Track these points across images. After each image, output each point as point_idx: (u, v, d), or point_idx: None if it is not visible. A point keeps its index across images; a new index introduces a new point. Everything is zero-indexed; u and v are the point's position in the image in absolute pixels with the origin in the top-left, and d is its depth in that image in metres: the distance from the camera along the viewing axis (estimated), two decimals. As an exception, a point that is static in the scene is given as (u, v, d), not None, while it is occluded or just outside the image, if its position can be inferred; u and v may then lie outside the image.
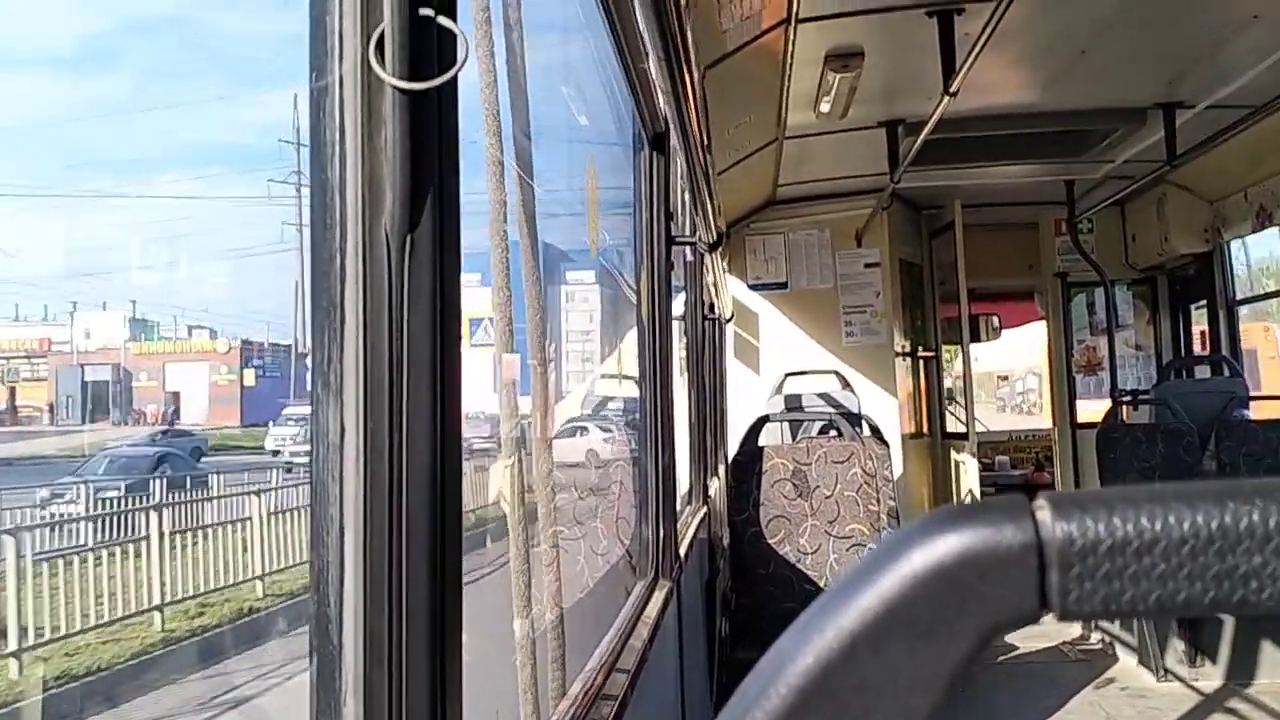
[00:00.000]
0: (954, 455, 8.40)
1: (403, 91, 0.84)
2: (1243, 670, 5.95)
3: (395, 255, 0.85)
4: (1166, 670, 6.13)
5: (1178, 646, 6.08)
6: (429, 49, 0.87)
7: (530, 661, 1.13)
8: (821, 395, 7.53)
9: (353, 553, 0.84)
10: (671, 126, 2.57)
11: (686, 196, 3.71)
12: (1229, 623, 5.98)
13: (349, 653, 0.84)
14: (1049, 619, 0.43)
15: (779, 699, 0.43)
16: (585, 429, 7.26)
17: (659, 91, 2.30)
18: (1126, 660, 6.52)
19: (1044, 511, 0.42)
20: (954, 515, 0.43)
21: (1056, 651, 6.98)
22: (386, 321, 0.85)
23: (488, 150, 1.07)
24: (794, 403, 7.47)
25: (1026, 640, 7.20)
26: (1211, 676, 6.00)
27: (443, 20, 0.87)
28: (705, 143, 3.74)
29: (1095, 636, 6.95)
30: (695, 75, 2.96)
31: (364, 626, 0.84)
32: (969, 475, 7.78)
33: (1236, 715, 5.65)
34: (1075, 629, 7.22)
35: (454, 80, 0.90)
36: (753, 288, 8.34)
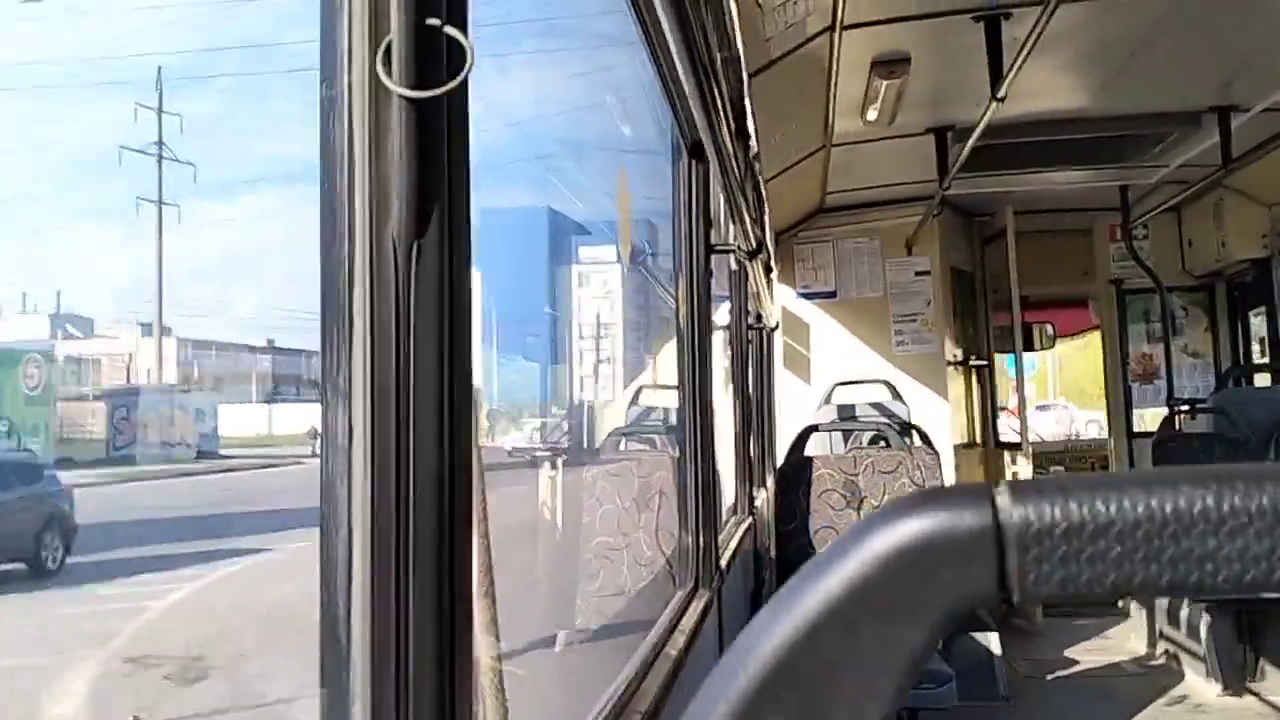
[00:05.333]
0: (1007, 465, 8.30)
1: (409, 100, 0.86)
2: None
3: (402, 261, 0.87)
4: (1227, 683, 6.01)
5: (1239, 659, 5.95)
6: (436, 58, 0.88)
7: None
8: (871, 405, 7.48)
9: (360, 553, 0.86)
10: (705, 135, 2.58)
11: (726, 205, 3.71)
12: None
13: (357, 651, 0.85)
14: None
15: (748, 679, 0.44)
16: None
17: (693, 101, 2.30)
18: (1187, 673, 6.39)
19: (1003, 496, 0.43)
20: (916, 500, 0.45)
21: (1115, 666, 6.87)
22: (393, 326, 0.87)
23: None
24: (843, 412, 7.43)
25: (1086, 654, 7.10)
26: (1275, 690, 5.87)
27: (450, 30, 0.89)
28: (747, 151, 3.74)
29: (1159, 650, 6.83)
30: (732, 85, 2.96)
31: (371, 627, 0.86)
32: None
33: None
34: (1139, 644, 7.10)
35: (463, 88, 0.91)
36: (802, 296, 8.31)
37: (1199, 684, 6.19)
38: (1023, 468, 7.80)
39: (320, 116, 0.88)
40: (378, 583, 0.86)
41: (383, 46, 0.86)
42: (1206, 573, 0.42)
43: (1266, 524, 0.42)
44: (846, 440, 7.17)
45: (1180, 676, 6.40)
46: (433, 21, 0.88)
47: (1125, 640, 7.29)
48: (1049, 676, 6.66)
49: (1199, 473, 0.43)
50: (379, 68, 0.85)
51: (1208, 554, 0.42)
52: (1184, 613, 6.34)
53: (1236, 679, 5.97)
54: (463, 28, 0.90)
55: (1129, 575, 0.42)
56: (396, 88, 0.85)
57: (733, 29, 3.41)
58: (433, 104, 0.87)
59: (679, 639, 2.39)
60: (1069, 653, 7.14)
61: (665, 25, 1.85)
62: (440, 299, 0.89)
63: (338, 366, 0.86)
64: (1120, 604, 7.38)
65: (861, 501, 5.59)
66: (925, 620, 0.43)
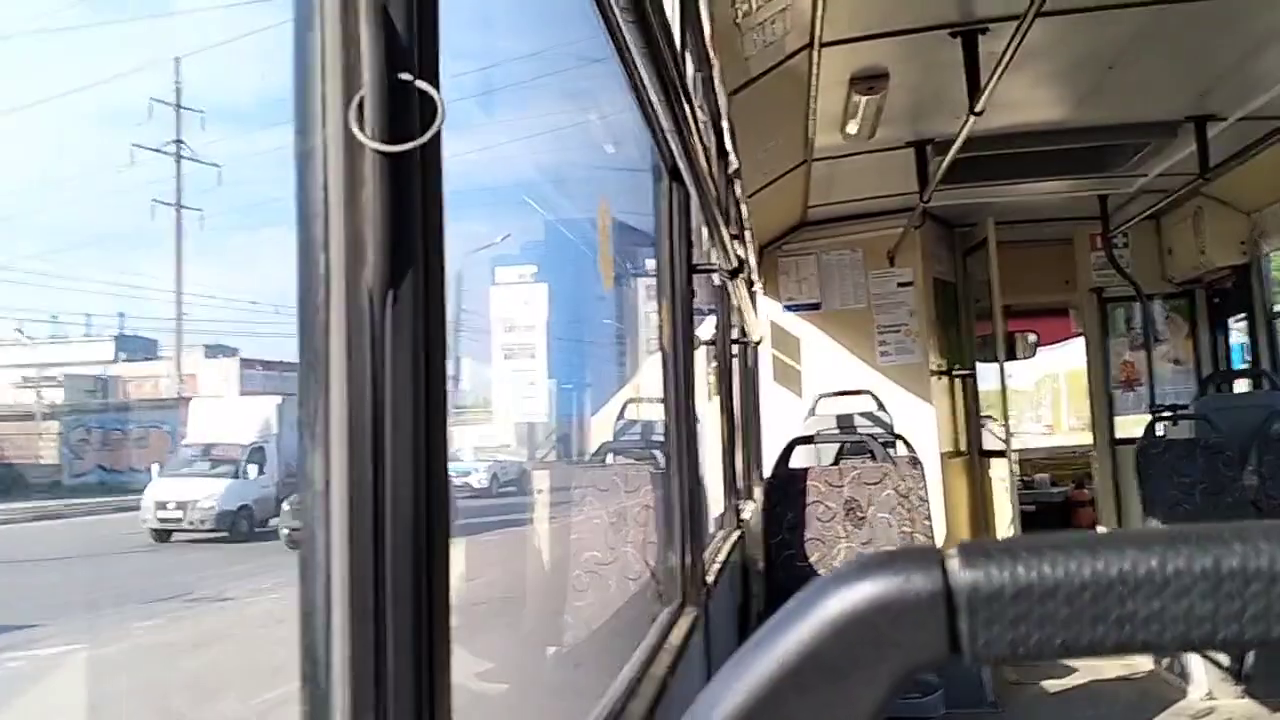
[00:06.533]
0: (992, 473, 8.34)
1: (382, 154, 0.88)
2: None
3: (377, 309, 0.89)
4: (1211, 690, 6.04)
5: (1222, 665, 5.98)
6: (409, 111, 0.90)
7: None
8: (856, 415, 7.51)
9: (340, 595, 0.87)
10: (681, 161, 2.61)
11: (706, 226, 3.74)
12: None
13: (337, 694, 0.87)
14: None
15: None
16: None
17: (668, 129, 2.33)
18: (1175, 678, 6.42)
19: (953, 560, 0.45)
20: (868, 564, 0.46)
21: (1103, 671, 6.88)
22: (369, 373, 0.88)
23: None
24: (828, 424, 7.45)
25: (1074, 660, 7.11)
26: (1257, 695, 5.90)
27: (421, 84, 0.91)
28: (726, 169, 3.77)
29: (1147, 655, 6.85)
30: (711, 105, 2.99)
31: (351, 669, 0.87)
32: (1008, 493, 7.72)
33: None
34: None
35: (435, 141, 0.93)
36: (787, 309, 8.35)
37: (1187, 689, 6.22)
38: (1006, 475, 7.83)
39: (295, 168, 0.90)
40: (355, 624, 0.87)
41: (355, 101, 0.88)
42: (1152, 633, 0.43)
43: (1210, 585, 0.43)
44: (840, 452, 7.19)
45: (1168, 682, 6.43)
46: (404, 76, 0.90)
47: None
48: (1037, 683, 6.68)
49: (1144, 535, 0.44)
50: (352, 122, 0.87)
51: (1153, 615, 0.43)
52: None
53: (1224, 683, 6.00)
54: (434, 81, 0.92)
55: (1076, 636, 0.44)
56: (369, 142, 0.87)
57: (711, 50, 3.44)
58: (405, 157, 0.89)
59: (664, 659, 2.40)
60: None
61: (635, 54, 1.87)
62: (415, 347, 0.91)
63: (314, 413, 0.88)
64: None
65: (849, 512, 5.62)
66: (878, 682, 0.44)
